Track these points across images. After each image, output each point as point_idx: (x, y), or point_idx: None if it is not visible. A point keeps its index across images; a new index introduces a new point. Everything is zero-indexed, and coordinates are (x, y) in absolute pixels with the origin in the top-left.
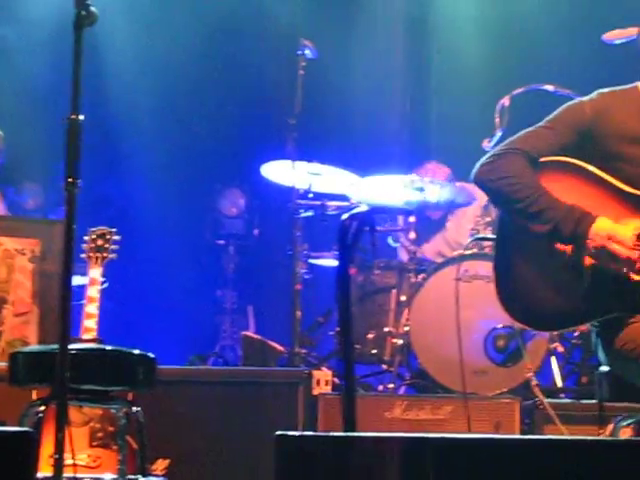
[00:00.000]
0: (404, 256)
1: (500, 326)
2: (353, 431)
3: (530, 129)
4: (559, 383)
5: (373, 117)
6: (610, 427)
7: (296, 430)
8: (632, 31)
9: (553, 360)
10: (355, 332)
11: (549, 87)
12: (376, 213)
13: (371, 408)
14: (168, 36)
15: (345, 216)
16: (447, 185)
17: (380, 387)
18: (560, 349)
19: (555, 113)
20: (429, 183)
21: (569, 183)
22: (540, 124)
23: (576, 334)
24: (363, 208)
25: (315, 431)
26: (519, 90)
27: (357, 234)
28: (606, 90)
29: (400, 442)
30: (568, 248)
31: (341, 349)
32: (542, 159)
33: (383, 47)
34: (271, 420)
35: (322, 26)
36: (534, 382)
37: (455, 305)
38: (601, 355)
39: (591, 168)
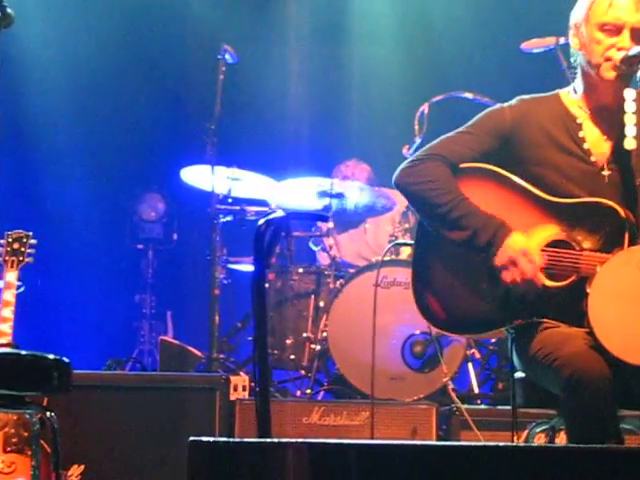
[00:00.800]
0: (324, 260)
1: (418, 332)
2: (268, 437)
3: (451, 134)
4: (476, 389)
5: (292, 122)
6: (525, 433)
7: (213, 435)
8: (550, 40)
9: (470, 366)
10: (273, 337)
11: (468, 95)
12: (292, 219)
13: (289, 414)
14: (87, 37)
15: (261, 222)
16: (367, 188)
17: (298, 393)
18: (477, 355)
19: (476, 118)
20: (349, 183)
21: (488, 189)
22: (460, 129)
23: (493, 340)
24: (279, 214)
25: (232, 437)
26: (438, 97)
27: (273, 240)
28: (527, 97)
29: (315, 448)
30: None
31: (256, 355)
32: (462, 165)
33: (302, 52)
34: (188, 426)
35: (242, 31)
36: (450, 386)
37: (374, 311)
38: (516, 361)
39: (509, 175)
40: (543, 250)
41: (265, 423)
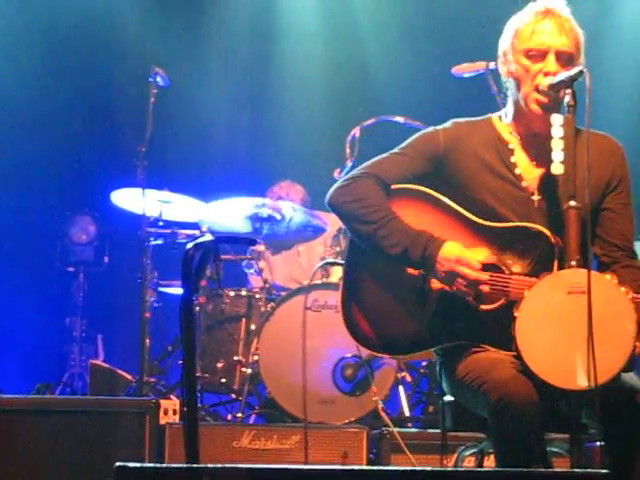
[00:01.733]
0: (256, 283)
1: (349, 355)
2: (196, 462)
3: (384, 155)
4: (407, 412)
5: (225, 144)
6: (454, 456)
7: (143, 460)
8: (480, 65)
9: (401, 389)
10: (204, 361)
11: (399, 118)
12: (221, 242)
13: (219, 437)
14: (17, 57)
15: (189, 245)
16: (300, 209)
17: (229, 416)
18: (408, 378)
19: (409, 140)
20: (283, 203)
21: (420, 210)
22: (394, 151)
23: (424, 363)
24: (207, 237)
25: (162, 461)
26: (369, 121)
27: (202, 263)
28: (461, 120)
29: (241, 473)
30: (417, 272)
31: (184, 378)
32: (394, 186)
33: (234, 74)
34: (118, 450)
35: (173, 53)
36: (381, 407)
37: (304, 335)
38: (445, 384)
39: (441, 197)
40: None
41: (193, 448)
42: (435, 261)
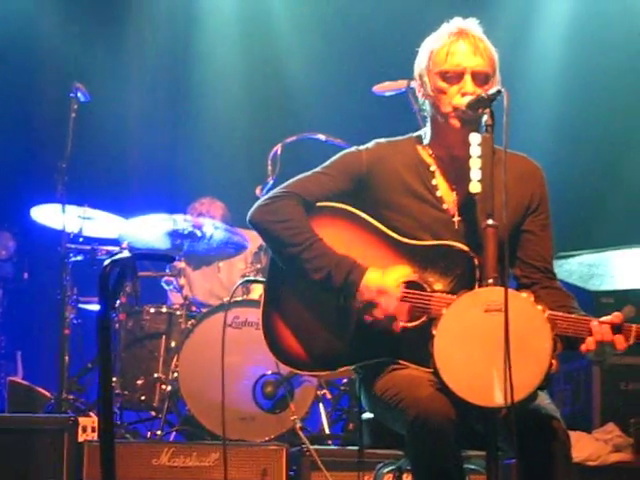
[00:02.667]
0: (176, 300)
1: (269, 372)
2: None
3: (307, 174)
4: (327, 429)
5: (146, 160)
6: (373, 474)
7: (61, 478)
8: (402, 84)
9: (321, 407)
10: (124, 378)
11: (321, 136)
12: (138, 259)
13: (138, 455)
14: None
15: (106, 262)
16: (221, 226)
17: (148, 434)
18: (328, 396)
19: (332, 159)
20: (203, 220)
21: (342, 228)
22: (317, 170)
23: (344, 381)
24: (125, 254)
25: (80, 479)
26: (291, 138)
27: (119, 280)
28: (383, 140)
29: None
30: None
31: (100, 396)
32: (318, 204)
33: (155, 90)
34: (37, 468)
35: (94, 69)
36: (299, 426)
37: (222, 352)
38: (364, 402)
39: (364, 215)
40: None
41: (109, 466)
42: (356, 289)
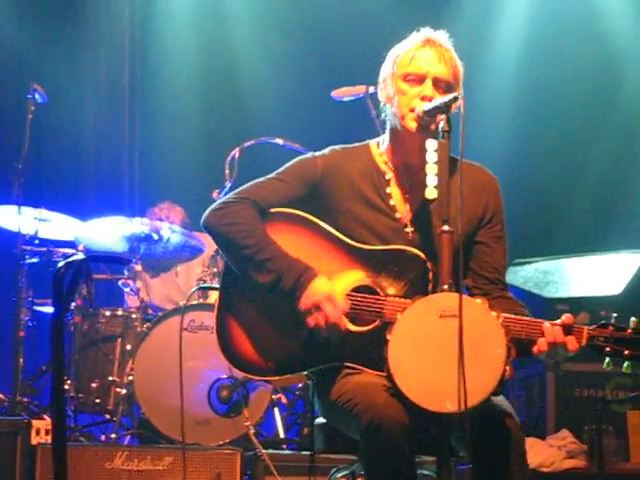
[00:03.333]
0: (132, 303)
1: (224, 376)
2: None
3: (261, 180)
4: (282, 434)
5: (103, 164)
6: (326, 479)
7: None
8: (360, 89)
9: (276, 411)
10: (79, 381)
11: (279, 140)
12: (93, 261)
13: (92, 458)
14: None
15: (60, 264)
16: (178, 230)
17: (103, 437)
18: (283, 400)
19: (287, 165)
20: (161, 224)
21: (296, 234)
22: (271, 175)
23: (300, 385)
24: (79, 256)
25: None
26: (249, 142)
27: (73, 282)
28: (338, 147)
29: None
30: (289, 298)
31: (53, 398)
32: (272, 210)
33: (112, 92)
34: None
35: (52, 71)
36: (252, 432)
37: (180, 355)
38: (318, 406)
39: (318, 221)
40: (348, 295)
41: (61, 469)
42: (304, 291)
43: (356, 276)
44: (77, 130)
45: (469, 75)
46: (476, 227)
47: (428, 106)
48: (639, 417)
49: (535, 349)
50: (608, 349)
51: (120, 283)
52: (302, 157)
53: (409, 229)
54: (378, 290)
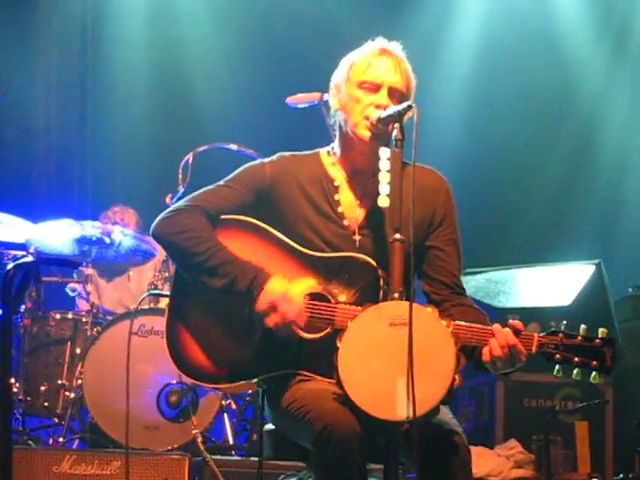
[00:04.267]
0: (83, 307)
1: (174, 382)
2: None
3: (211, 187)
4: (231, 440)
5: (56, 166)
6: None
7: None
8: (315, 96)
9: (226, 417)
10: (27, 384)
11: (233, 146)
12: (42, 264)
13: (40, 462)
14: None
15: (9, 266)
16: (130, 233)
17: (50, 441)
18: (233, 406)
19: (236, 172)
20: (113, 227)
21: (247, 240)
22: (220, 183)
23: (250, 392)
24: (28, 259)
25: None
26: (203, 148)
27: (22, 284)
28: (288, 154)
29: None
30: (243, 303)
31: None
32: (222, 217)
33: (65, 94)
34: None
35: (4, 71)
36: (199, 439)
37: (128, 359)
38: (269, 414)
39: (268, 228)
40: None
41: (7, 472)
42: (259, 293)
43: (307, 283)
44: (28, 131)
45: (422, 83)
46: (426, 231)
47: (383, 114)
48: (587, 428)
49: (487, 352)
50: (558, 356)
51: (68, 289)
52: (251, 164)
53: (357, 236)
54: (329, 297)
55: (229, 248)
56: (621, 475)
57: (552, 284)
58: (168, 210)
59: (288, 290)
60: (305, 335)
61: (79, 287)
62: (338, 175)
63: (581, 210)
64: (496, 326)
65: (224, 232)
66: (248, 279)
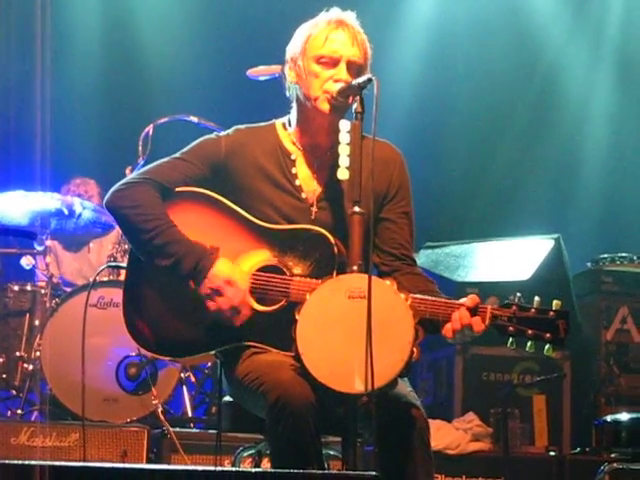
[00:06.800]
0: (42, 278)
1: (133, 354)
2: None
3: (165, 160)
4: (189, 412)
5: (12, 137)
6: (232, 458)
7: None
8: (276, 69)
9: (185, 389)
10: None
11: (193, 118)
12: (1, 234)
13: None
14: None
15: None
16: (90, 205)
17: (8, 413)
18: (192, 379)
19: (191, 145)
20: (74, 198)
21: (202, 213)
22: (175, 155)
23: (209, 364)
24: None
25: None
26: (163, 119)
27: None
28: (243, 126)
29: (14, 470)
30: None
31: None
32: (178, 189)
33: (25, 64)
34: None
35: None
36: (160, 410)
37: (84, 332)
38: (226, 386)
39: (224, 200)
40: (254, 275)
41: None
42: (204, 276)
43: (262, 256)
44: None
45: (377, 57)
46: (380, 203)
47: (342, 87)
48: (545, 401)
49: (443, 332)
50: (511, 329)
51: (24, 263)
52: (206, 137)
53: (314, 209)
54: (284, 270)
55: (183, 221)
56: (578, 449)
57: (511, 258)
58: (121, 182)
59: (233, 274)
60: (259, 308)
61: (33, 261)
62: (294, 148)
63: (541, 184)
64: (453, 315)
65: (179, 205)
66: (192, 261)
